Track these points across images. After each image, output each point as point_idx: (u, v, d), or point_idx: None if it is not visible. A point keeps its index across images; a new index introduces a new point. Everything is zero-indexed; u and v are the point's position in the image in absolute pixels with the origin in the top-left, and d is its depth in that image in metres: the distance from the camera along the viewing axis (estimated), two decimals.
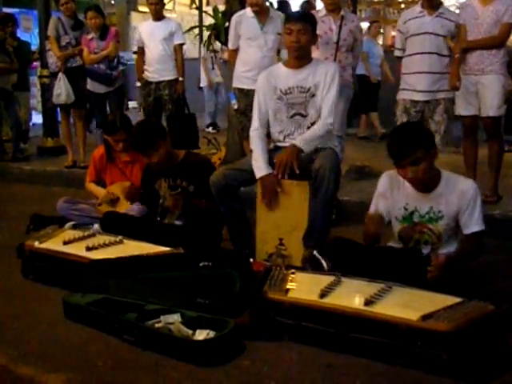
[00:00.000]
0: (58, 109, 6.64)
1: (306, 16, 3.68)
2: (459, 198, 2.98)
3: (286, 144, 3.67)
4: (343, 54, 4.68)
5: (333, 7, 4.64)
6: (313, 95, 3.61)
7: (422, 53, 4.55)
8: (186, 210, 3.81)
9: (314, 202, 3.52)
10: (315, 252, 3.22)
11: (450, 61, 4.57)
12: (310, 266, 3.23)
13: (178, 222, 3.90)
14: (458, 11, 5.33)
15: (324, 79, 3.60)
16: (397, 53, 4.82)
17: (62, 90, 6.32)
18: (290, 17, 3.65)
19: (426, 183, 3.01)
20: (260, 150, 3.64)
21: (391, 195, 3.16)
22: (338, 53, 4.63)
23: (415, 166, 2.89)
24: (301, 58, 3.63)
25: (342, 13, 4.68)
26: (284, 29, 3.64)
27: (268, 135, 3.84)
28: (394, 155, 2.95)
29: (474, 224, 2.98)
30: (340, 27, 4.63)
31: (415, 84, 4.60)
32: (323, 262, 3.17)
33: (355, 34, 4.77)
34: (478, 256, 3.04)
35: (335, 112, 3.71)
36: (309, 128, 3.64)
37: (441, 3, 4.63)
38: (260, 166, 3.59)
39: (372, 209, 3.25)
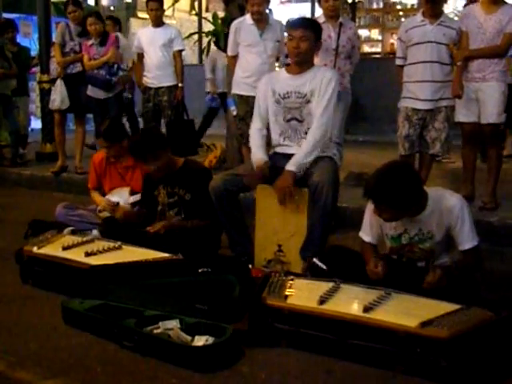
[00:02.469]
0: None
1: (308, 23, 3.66)
2: (447, 215, 2.92)
3: (286, 148, 3.69)
4: (342, 61, 4.71)
5: (333, 14, 4.66)
6: (308, 101, 3.62)
7: (424, 61, 4.55)
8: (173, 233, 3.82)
9: (312, 215, 3.51)
10: (315, 259, 3.21)
11: (451, 69, 4.58)
12: (311, 273, 3.22)
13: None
14: (456, 19, 5.36)
15: (319, 86, 3.60)
16: (398, 61, 4.82)
17: (56, 96, 6.34)
18: (291, 23, 3.64)
19: (393, 221, 3.00)
20: (259, 145, 3.71)
21: None
22: (338, 59, 4.66)
23: (379, 213, 2.91)
24: (301, 63, 3.63)
25: (341, 20, 4.72)
26: (287, 34, 3.64)
27: (268, 143, 3.85)
28: (368, 195, 2.90)
29: (466, 240, 2.92)
30: (339, 34, 4.65)
31: (417, 92, 4.60)
32: (324, 267, 3.16)
33: (353, 41, 4.80)
34: (478, 269, 3.02)
35: (333, 119, 3.71)
36: (306, 133, 3.63)
37: (442, 11, 4.64)
38: (257, 155, 3.65)
39: (365, 224, 3.21)
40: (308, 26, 3.60)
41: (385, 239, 3.17)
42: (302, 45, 3.55)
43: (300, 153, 3.56)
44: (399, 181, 2.81)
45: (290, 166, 3.52)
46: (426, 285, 2.77)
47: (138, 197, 4.33)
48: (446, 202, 2.94)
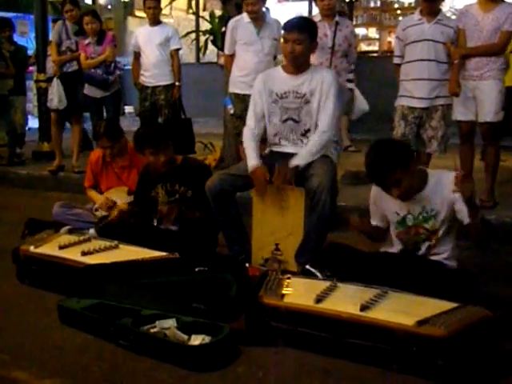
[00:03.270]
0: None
1: (303, 25, 3.59)
2: (449, 189, 2.93)
3: (282, 147, 3.69)
4: (338, 60, 4.71)
5: (329, 12, 4.66)
6: (307, 101, 3.60)
7: (421, 60, 4.54)
8: (179, 219, 3.81)
9: (308, 221, 3.51)
10: (308, 266, 3.22)
11: (448, 67, 4.57)
12: None
13: (174, 228, 3.90)
14: (453, 17, 5.36)
15: (320, 87, 3.57)
16: (396, 60, 4.81)
17: (54, 95, 6.32)
18: (286, 25, 3.61)
19: (412, 191, 3.01)
20: (251, 147, 3.66)
21: (381, 202, 3.18)
22: (334, 58, 4.66)
23: (397, 187, 2.90)
24: (297, 65, 3.62)
25: (337, 18, 4.72)
26: (282, 36, 3.63)
27: (263, 140, 3.84)
28: (373, 180, 2.99)
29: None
30: (335, 32, 4.65)
31: (414, 91, 4.60)
32: (318, 274, 3.17)
33: (350, 39, 4.80)
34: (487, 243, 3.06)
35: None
36: (302, 135, 3.63)
37: (439, 10, 4.64)
38: (251, 160, 3.60)
39: (371, 217, 3.29)
40: (302, 28, 3.55)
41: (390, 227, 3.21)
42: (297, 48, 3.52)
43: (306, 150, 3.55)
44: (387, 145, 2.99)
45: (294, 161, 3.51)
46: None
47: None
48: (448, 176, 2.98)
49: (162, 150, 3.81)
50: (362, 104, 7.93)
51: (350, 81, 7.76)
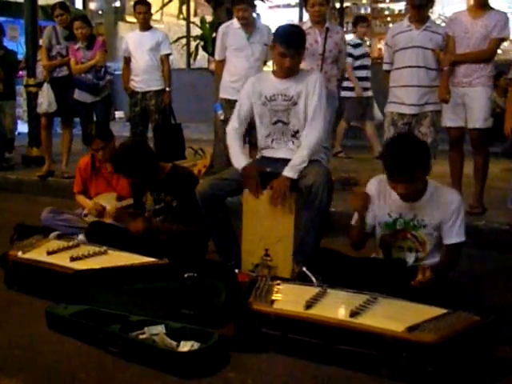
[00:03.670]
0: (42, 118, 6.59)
1: (300, 40, 3.60)
2: (443, 209, 2.97)
3: (274, 152, 3.69)
4: (329, 66, 4.73)
5: (319, 19, 4.68)
6: (295, 103, 3.61)
7: (410, 66, 4.58)
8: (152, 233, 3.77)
9: (306, 217, 3.51)
10: (305, 269, 3.21)
11: (437, 74, 4.60)
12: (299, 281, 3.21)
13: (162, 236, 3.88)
14: (443, 24, 5.40)
15: (306, 88, 3.59)
16: (385, 67, 4.85)
17: (43, 99, 6.30)
18: (286, 41, 3.50)
19: (413, 196, 3.02)
20: (237, 146, 3.69)
21: (377, 200, 3.15)
22: (324, 64, 4.68)
23: (408, 184, 2.89)
24: (289, 73, 3.63)
25: (327, 25, 4.74)
26: (276, 47, 3.55)
27: (255, 144, 3.84)
28: (390, 169, 2.91)
29: (454, 235, 2.98)
30: (325, 39, 4.67)
31: (403, 97, 4.62)
32: (313, 278, 3.16)
33: (340, 45, 4.82)
34: (455, 266, 3.06)
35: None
36: (292, 136, 3.64)
37: (428, 17, 4.67)
38: (239, 159, 3.62)
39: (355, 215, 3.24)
40: (301, 44, 3.58)
41: (377, 228, 3.19)
42: (295, 62, 3.56)
43: (296, 158, 3.55)
44: (415, 142, 3.00)
45: (288, 172, 3.51)
46: (414, 283, 2.77)
47: (124, 202, 4.30)
48: (445, 195, 3.01)
49: (135, 176, 3.80)
50: (377, 114, 7.99)
51: (365, 89, 7.85)
